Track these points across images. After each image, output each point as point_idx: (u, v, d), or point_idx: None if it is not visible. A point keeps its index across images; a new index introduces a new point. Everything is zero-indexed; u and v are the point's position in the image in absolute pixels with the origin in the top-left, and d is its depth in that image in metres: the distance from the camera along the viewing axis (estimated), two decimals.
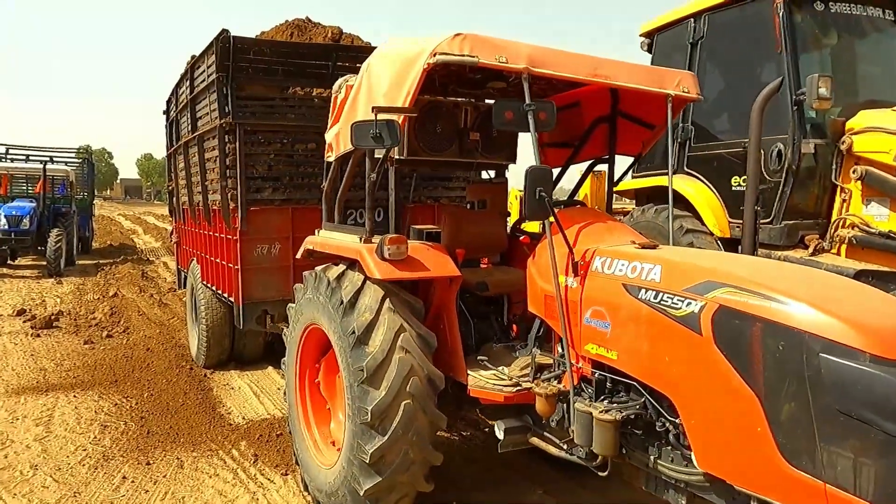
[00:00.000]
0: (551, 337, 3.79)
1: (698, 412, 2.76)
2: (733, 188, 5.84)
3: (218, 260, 6.72)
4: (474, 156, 4.91)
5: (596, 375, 3.32)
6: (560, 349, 3.67)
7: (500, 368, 3.94)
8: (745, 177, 5.80)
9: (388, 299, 3.86)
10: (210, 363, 7.73)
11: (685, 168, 6.33)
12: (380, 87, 3.80)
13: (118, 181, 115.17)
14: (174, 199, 9.15)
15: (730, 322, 2.63)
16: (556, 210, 3.27)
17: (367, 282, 3.96)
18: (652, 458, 3.10)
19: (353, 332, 3.79)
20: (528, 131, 3.45)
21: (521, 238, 4.85)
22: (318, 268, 4.34)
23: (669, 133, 4.07)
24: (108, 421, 6.09)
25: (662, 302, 2.89)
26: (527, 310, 4.08)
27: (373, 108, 3.53)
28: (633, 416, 3.10)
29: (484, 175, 5.47)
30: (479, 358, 3.99)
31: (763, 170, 5.56)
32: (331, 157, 4.62)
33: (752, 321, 2.56)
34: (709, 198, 6.02)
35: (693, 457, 2.83)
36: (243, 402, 6.70)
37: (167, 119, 9.11)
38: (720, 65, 6.38)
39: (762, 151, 5.64)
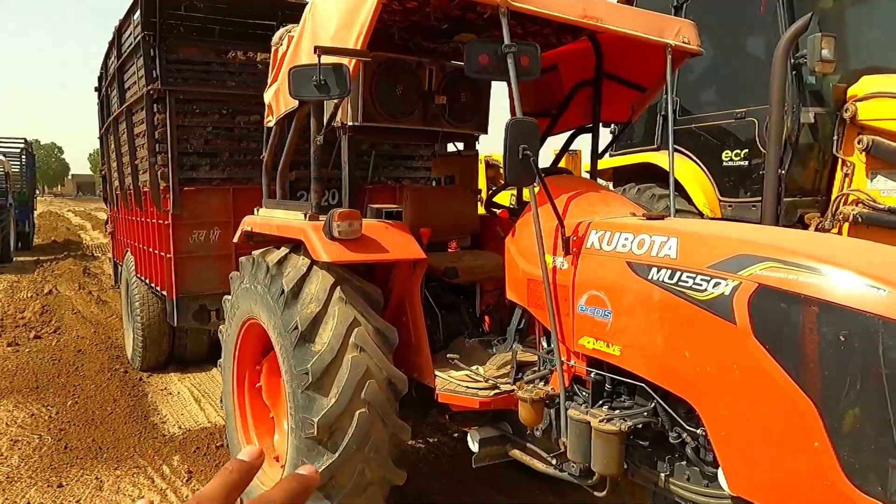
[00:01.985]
0: (535, 329, 3.18)
1: (729, 421, 2.17)
2: (724, 163, 5.32)
3: (151, 249, 5.94)
4: (440, 123, 4.27)
5: (593, 375, 2.72)
6: (546, 344, 3.06)
7: (474, 368, 3.31)
8: (736, 151, 5.31)
9: (338, 287, 3.20)
10: (147, 365, 6.93)
11: (671, 144, 5.77)
12: (326, 29, 3.12)
13: (70, 177, 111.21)
14: (107, 184, 8.29)
15: (773, 306, 2.05)
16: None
17: (314, 267, 3.30)
18: (662, 475, 2.52)
19: (296, 328, 3.12)
20: (507, 80, 2.81)
21: (499, 212, 4.19)
22: (256, 252, 3.66)
23: (670, 91, 3.48)
24: (19, 435, 5.28)
25: (681, 283, 2.30)
26: (504, 299, 3.47)
27: (315, 47, 2.85)
28: (640, 426, 2.50)
29: (451, 148, 4.85)
30: (448, 356, 3.36)
31: (758, 143, 5.05)
32: (270, 121, 3.92)
33: (805, 304, 1.98)
34: (697, 175, 5.49)
35: (720, 475, 2.24)
36: (181, 408, 5.95)
37: (98, 96, 8.24)
38: (708, 30, 5.84)
39: (755, 122, 5.13)
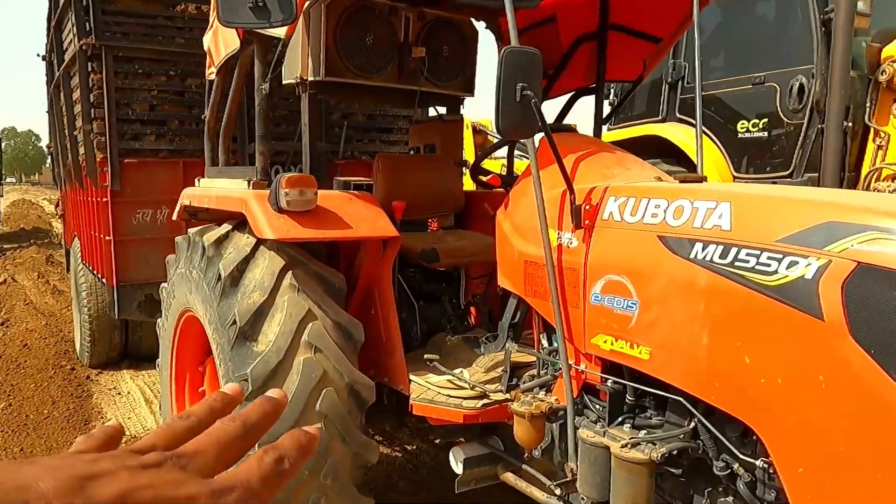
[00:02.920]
0: (533, 324, 2.57)
1: (808, 452, 1.57)
2: (739, 135, 4.73)
3: (91, 231, 5.25)
4: (418, 81, 3.61)
5: (610, 384, 2.11)
6: (549, 342, 2.46)
7: (458, 372, 2.69)
8: (753, 121, 4.72)
9: (289, 272, 2.57)
10: (96, 362, 6.24)
11: (677, 113, 5.20)
12: None
13: (47, 164, 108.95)
14: (54, 161, 7.55)
15: (880, 293, 1.44)
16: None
17: (261, 248, 2.66)
18: None
19: (234, 322, 2.49)
20: (500, 4, 2.18)
21: (488, 179, 3.54)
22: (193, 230, 3.01)
23: (696, 30, 2.86)
24: None
25: (738, 263, 1.69)
26: (494, 287, 2.87)
27: None
28: (675, 452, 1.90)
29: (432, 112, 4.21)
30: (426, 356, 2.73)
31: (779, 111, 4.46)
32: (212, 72, 3.26)
33: None
34: (708, 148, 4.89)
35: None
36: (129, 411, 5.29)
37: (46, 66, 7.47)
38: None
39: (776, 87, 4.54)
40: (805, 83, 4.32)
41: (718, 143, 4.86)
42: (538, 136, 2.11)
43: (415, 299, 3.30)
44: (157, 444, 0.46)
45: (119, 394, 5.69)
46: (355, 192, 2.82)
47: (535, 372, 2.47)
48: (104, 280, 4.94)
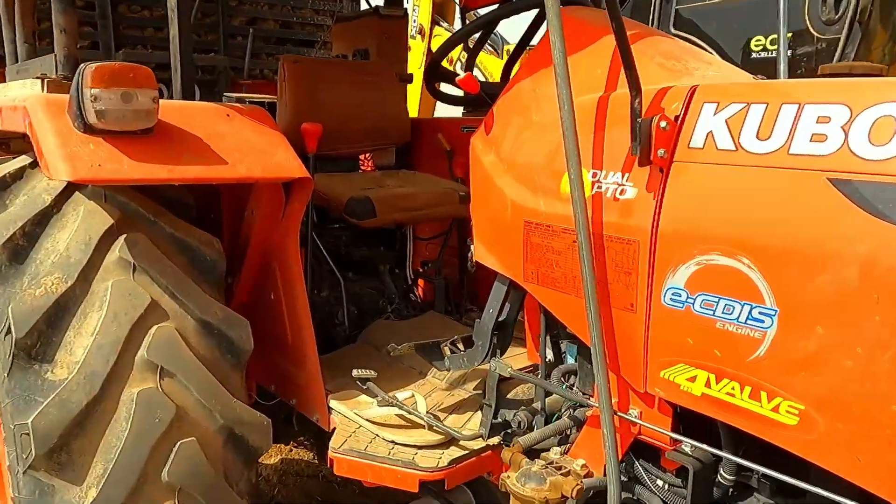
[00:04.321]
0: (529, 323, 1.58)
1: None
2: (754, 53, 3.79)
3: None
4: None
5: (690, 452, 1.16)
6: (552, 355, 1.49)
7: (408, 398, 1.67)
8: (773, 36, 3.78)
9: (119, 239, 1.50)
10: None
11: (671, 28, 4.20)
12: None
13: None
14: None
15: None
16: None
17: (74, 196, 1.56)
18: None
19: (9, 330, 1.39)
20: None
21: (460, 79, 2.33)
22: None
23: None
24: None
25: None
26: (450, 252, 1.90)
27: None
28: None
29: (365, 6, 3.06)
30: (356, 375, 1.70)
31: (808, 22, 3.54)
32: None
33: None
34: None
35: None
36: None
37: None
38: None
39: None
40: None
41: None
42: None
43: (340, 271, 2.25)
44: None
45: None
46: (236, 105, 1.71)
47: (537, 407, 1.49)
48: None
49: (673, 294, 1.11)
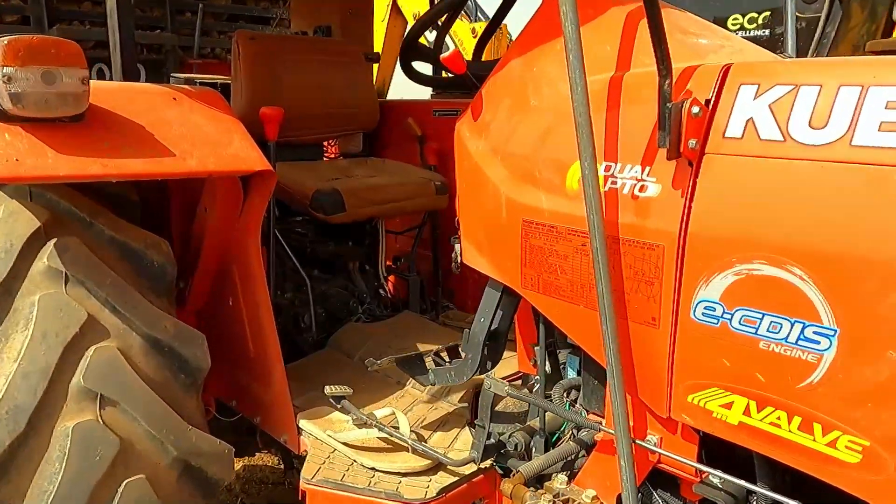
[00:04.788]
0: (521, 331, 1.41)
1: None
2: (730, 31, 3.65)
3: None
4: None
5: (719, 484, 1.02)
6: (576, 372, 1.34)
7: (388, 414, 1.49)
8: (751, 15, 3.67)
9: (49, 243, 1.27)
10: None
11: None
12: None
13: None
14: None
15: None
16: None
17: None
18: None
19: None
20: None
21: (446, 57, 2.05)
22: None
23: None
24: None
25: None
26: (424, 246, 1.75)
27: None
28: None
29: None
30: (328, 392, 1.51)
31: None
32: None
33: None
34: None
35: None
36: None
37: None
38: None
39: None
40: None
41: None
42: None
43: (305, 270, 2.05)
44: None
45: None
46: (184, 87, 1.49)
47: (536, 427, 1.33)
48: None
49: (706, 308, 0.95)
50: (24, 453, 1.18)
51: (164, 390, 1.34)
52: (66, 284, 1.28)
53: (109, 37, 1.59)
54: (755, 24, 3.55)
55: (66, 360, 1.23)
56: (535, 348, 1.36)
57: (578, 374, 1.32)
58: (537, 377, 1.36)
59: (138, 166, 1.31)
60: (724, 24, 3.65)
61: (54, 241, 1.30)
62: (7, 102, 1.15)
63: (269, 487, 3.07)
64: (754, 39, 3.52)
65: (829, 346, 0.84)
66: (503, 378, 1.46)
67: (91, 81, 1.26)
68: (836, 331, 0.83)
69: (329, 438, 1.46)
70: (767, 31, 3.51)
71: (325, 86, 2.27)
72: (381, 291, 2.29)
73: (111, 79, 1.64)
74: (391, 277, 2.39)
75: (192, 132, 1.41)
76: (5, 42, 1.14)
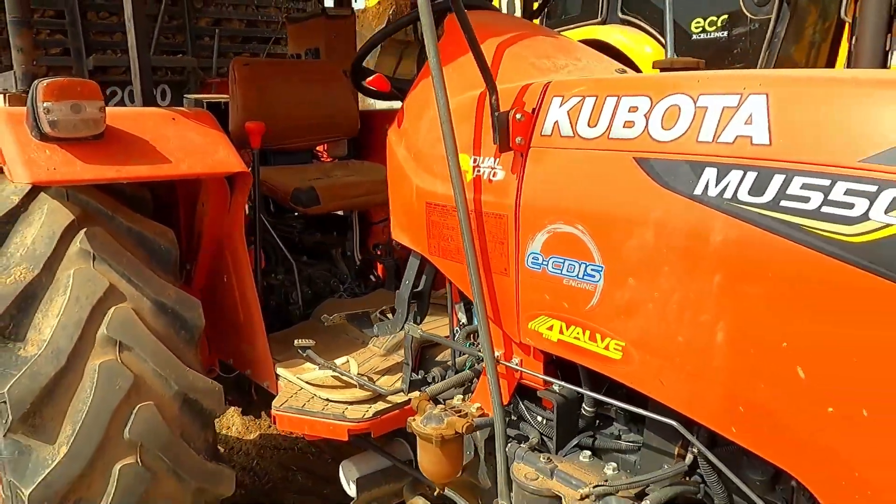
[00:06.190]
0: (444, 285, 1.80)
1: None
2: (693, 35, 3.98)
3: None
4: None
5: (557, 391, 1.39)
6: (465, 318, 1.71)
7: (342, 362, 1.90)
8: (711, 18, 3.98)
9: (80, 233, 1.70)
10: None
11: (619, 13, 4.41)
12: None
13: None
14: None
15: None
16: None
17: (40, 196, 1.77)
18: None
19: None
20: None
21: (369, 81, 2.53)
22: None
23: None
24: None
25: (787, 203, 0.94)
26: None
27: None
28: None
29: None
30: (297, 343, 1.92)
31: (742, 5, 3.73)
32: None
33: None
34: (656, 52, 4.14)
35: None
36: None
37: None
38: None
39: None
40: None
41: (668, 45, 4.10)
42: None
43: (294, 256, 2.47)
44: None
45: None
46: (181, 109, 1.92)
47: (448, 362, 1.72)
48: None
49: (533, 258, 1.33)
50: (64, 382, 1.61)
51: (168, 341, 1.76)
52: (93, 262, 1.72)
53: (131, 67, 2.02)
54: (714, 27, 3.87)
55: (93, 317, 1.66)
56: (455, 307, 1.75)
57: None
58: (458, 329, 1.74)
59: (144, 171, 1.74)
60: (687, 28, 3.98)
61: (85, 230, 1.73)
62: (46, 127, 1.59)
63: (281, 452, 3.50)
64: (714, 41, 3.85)
65: (600, 279, 1.20)
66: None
67: (108, 108, 1.70)
68: (602, 267, 1.20)
69: (296, 379, 1.87)
70: (725, 33, 3.82)
71: (309, 101, 2.69)
72: (360, 274, 2.68)
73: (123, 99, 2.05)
74: (376, 262, 2.78)
75: (186, 144, 1.83)
76: (45, 84, 1.58)
